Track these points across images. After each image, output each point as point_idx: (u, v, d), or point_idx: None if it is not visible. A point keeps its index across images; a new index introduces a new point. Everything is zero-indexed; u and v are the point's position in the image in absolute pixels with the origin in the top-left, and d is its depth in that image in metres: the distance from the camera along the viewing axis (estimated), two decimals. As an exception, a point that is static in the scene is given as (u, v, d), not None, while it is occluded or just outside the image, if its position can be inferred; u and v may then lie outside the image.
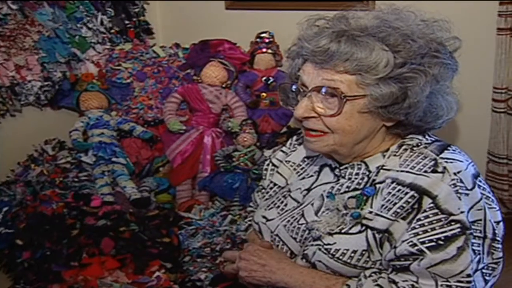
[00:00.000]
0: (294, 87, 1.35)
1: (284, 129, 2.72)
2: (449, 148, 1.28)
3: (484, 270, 1.24)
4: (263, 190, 1.60)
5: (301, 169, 1.52)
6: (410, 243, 1.16)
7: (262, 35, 2.73)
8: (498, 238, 1.26)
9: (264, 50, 2.72)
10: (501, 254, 1.27)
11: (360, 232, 1.24)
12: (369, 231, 1.23)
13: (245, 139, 2.53)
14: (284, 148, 1.61)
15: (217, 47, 2.78)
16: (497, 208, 1.28)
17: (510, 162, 2.25)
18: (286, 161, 1.56)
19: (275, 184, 1.55)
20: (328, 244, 1.26)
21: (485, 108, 2.27)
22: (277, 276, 1.33)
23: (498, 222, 1.27)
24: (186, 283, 1.99)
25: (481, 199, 1.22)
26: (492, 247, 1.24)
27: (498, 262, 1.27)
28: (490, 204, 1.26)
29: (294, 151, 1.57)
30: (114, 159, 2.54)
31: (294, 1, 2.71)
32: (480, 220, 1.22)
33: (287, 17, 2.62)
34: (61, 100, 2.77)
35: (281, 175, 1.55)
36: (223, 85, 2.73)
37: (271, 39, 2.73)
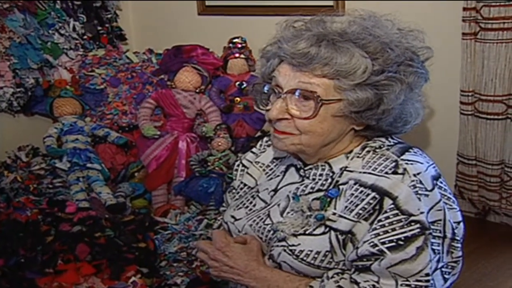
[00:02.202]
0: (266, 88, 1.35)
1: (259, 134, 2.73)
2: (410, 150, 1.30)
3: (443, 269, 1.26)
4: (233, 191, 1.60)
5: (270, 170, 1.53)
6: (371, 244, 1.18)
7: (235, 40, 2.75)
8: (457, 238, 1.28)
9: (237, 55, 2.74)
10: (460, 253, 1.29)
11: (324, 233, 1.25)
12: (332, 232, 1.24)
13: (219, 143, 2.54)
14: (254, 149, 1.61)
15: (190, 52, 2.79)
16: (458, 209, 1.31)
17: (479, 163, 2.28)
18: (255, 162, 1.57)
19: (245, 185, 1.55)
20: (293, 245, 1.27)
21: (454, 111, 2.31)
22: (244, 279, 1.34)
23: (458, 222, 1.30)
24: (162, 288, 2.00)
25: (440, 200, 1.24)
26: (451, 247, 1.27)
27: (457, 261, 1.29)
28: (450, 205, 1.29)
29: (263, 152, 1.58)
30: (89, 165, 2.54)
31: (266, 6, 2.74)
32: (440, 220, 1.24)
33: (259, 23, 2.66)
34: (34, 107, 2.76)
35: (251, 175, 1.55)
36: (197, 90, 2.74)
37: (243, 44, 2.75)
